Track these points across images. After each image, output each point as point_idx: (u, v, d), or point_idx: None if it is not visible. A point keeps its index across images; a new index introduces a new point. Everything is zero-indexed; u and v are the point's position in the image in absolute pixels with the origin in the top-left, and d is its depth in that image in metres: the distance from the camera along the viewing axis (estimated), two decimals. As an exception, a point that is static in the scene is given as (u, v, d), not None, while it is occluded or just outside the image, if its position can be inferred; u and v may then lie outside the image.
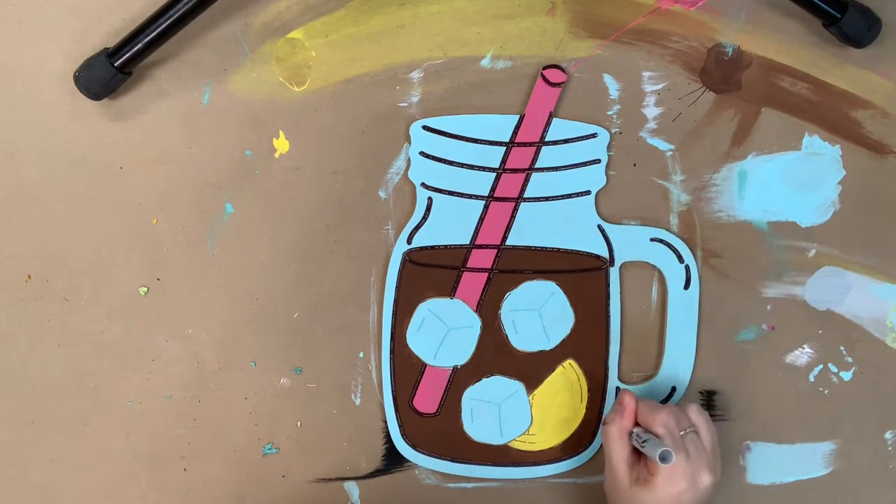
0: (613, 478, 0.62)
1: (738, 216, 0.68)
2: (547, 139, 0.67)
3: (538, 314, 0.68)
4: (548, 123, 0.67)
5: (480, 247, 0.68)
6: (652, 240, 0.68)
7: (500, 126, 0.67)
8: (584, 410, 0.69)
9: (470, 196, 0.67)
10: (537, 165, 0.67)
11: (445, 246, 0.68)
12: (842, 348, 0.70)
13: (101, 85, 0.64)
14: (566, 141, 0.67)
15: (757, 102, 0.67)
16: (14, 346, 0.68)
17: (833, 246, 0.69)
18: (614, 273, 0.68)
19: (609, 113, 0.67)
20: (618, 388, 0.69)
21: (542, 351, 0.68)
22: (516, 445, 0.69)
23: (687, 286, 0.68)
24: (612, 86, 0.67)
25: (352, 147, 0.67)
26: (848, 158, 0.68)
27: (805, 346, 0.70)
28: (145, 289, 0.68)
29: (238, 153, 0.67)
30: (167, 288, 0.68)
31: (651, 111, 0.67)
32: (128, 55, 0.63)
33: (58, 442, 0.69)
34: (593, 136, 0.67)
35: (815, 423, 0.70)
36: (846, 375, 0.70)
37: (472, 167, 0.67)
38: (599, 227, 0.68)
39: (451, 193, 0.67)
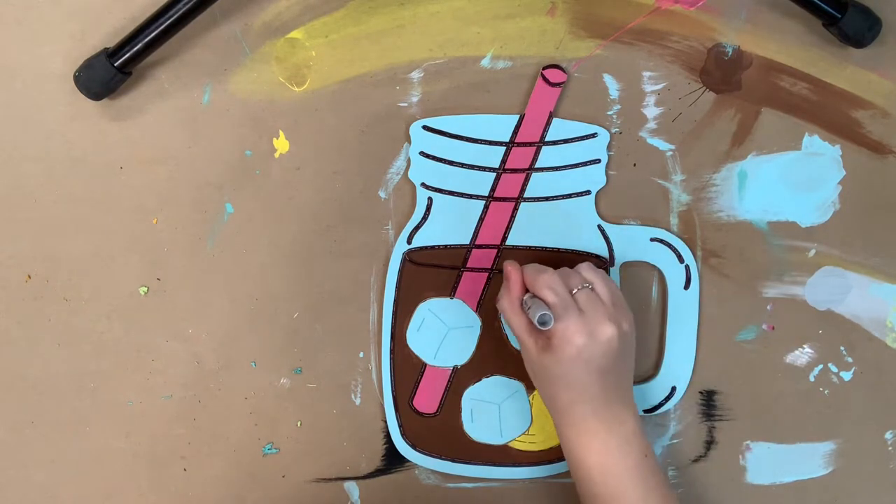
0: (524, 352, 0.62)
1: (738, 216, 0.68)
2: (547, 139, 0.67)
3: (538, 314, 0.68)
4: (548, 123, 0.67)
5: (480, 247, 0.68)
6: (652, 240, 0.68)
7: (500, 126, 0.67)
8: (584, 410, 0.69)
9: (470, 196, 0.67)
10: (537, 165, 0.67)
11: (445, 246, 0.68)
12: (842, 348, 0.70)
13: (101, 85, 0.64)
14: (566, 141, 0.67)
15: (757, 102, 0.68)
16: (14, 346, 0.68)
17: (833, 246, 0.69)
18: (614, 273, 0.68)
19: (609, 113, 0.67)
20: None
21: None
22: (516, 445, 0.69)
23: (687, 286, 0.68)
24: (612, 86, 0.67)
25: (352, 147, 0.67)
26: (848, 158, 0.68)
27: (805, 346, 0.70)
28: (145, 289, 0.68)
29: (238, 153, 0.67)
30: (167, 288, 0.68)
31: (651, 111, 0.67)
32: (128, 55, 0.63)
33: (58, 442, 0.69)
34: (593, 136, 0.67)
35: (815, 423, 0.70)
36: (846, 375, 0.70)
37: (472, 167, 0.67)
38: (599, 227, 0.68)
39: (451, 193, 0.67)
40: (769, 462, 0.70)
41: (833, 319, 0.69)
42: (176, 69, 0.66)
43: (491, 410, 0.69)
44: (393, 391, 0.69)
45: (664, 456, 0.70)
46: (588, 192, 0.68)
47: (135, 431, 0.69)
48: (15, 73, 0.66)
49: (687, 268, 0.68)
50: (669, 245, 0.68)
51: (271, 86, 0.67)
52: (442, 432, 0.69)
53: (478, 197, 0.67)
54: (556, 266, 0.62)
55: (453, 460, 0.69)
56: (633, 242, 0.68)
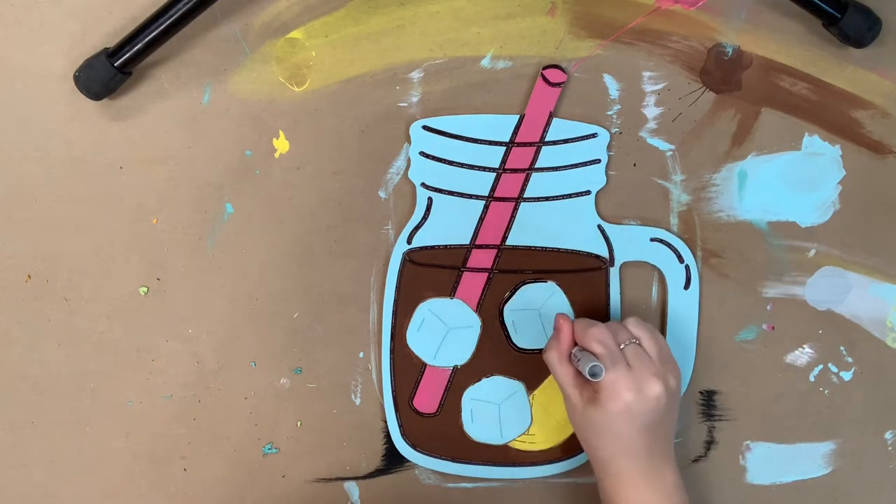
0: (568, 404, 0.62)
1: (738, 216, 0.68)
2: (547, 139, 0.67)
3: (538, 314, 0.68)
4: (548, 123, 0.67)
5: (480, 247, 0.68)
6: (652, 240, 0.68)
7: (500, 126, 0.67)
8: (584, 410, 0.69)
9: (470, 196, 0.67)
10: (537, 165, 0.67)
11: (445, 246, 0.68)
12: (842, 348, 0.70)
13: (101, 85, 0.64)
14: (566, 141, 0.67)
15: (757, 102, 0.68)
16: (14, 346, 0.68)
17: (833, 246, 0.69)
18: (614, 273, 0.68)
19: (609, 113, 0.67)
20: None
21: (542, 350, 0.68)
22: (516, 445, 0.69)
23: (687, 286, 0.68)
24: (612, 86, 0.67)
25: (352, 147, 0.67)
26: (848, 158, 0.68)
27: (805, 346, 0.70)
28: (145, 289, 0.68)
29: (238, 153, 0.67)
30: (167, 288, 0.68)
31: (651, 111, 0.67)
32: (128, 55, 0.63)
33: (58, 442, 0.69)
34: (593, 136, 0.67)
35: (815, 423, 0.70)
36: (846, 375, 0.70)
37: (472, 167, 0.67)
38: (599, 227, 0.68)
39: (451, 193, 0.67)
40: (769, 462, 0.70)
41: (833, 319, 0.69)
42: (176, 69, 0.66)
43: (491, 410, 0.69)
44: (393, 391, 0.69)
45: (664, 456, 0.70)
46: (588, 192, 0.68)
47: (135, 431, 0.69)
48: (15, 73, 0.66)
49: (687, 268, 0.68)
50: (669, 245, 0.68)
51: (271, 86, 0.67)
52: (442, 432, 0.69)
53: (478, 197, 0.67)
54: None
55: (453, 460, 0.69)
56: (633, 242, 0.68)
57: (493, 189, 0.67)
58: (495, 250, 0.68)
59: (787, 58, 0.67)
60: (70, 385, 0.69)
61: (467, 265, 0.68)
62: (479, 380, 0.69)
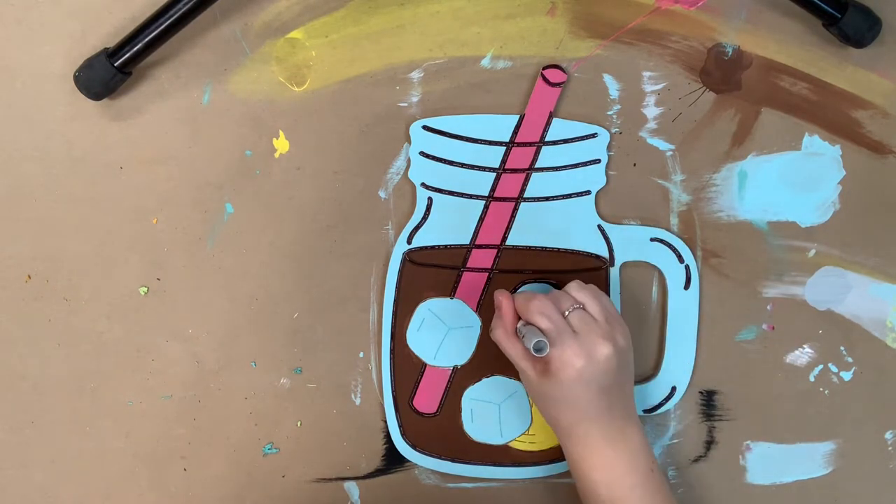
0: (523, 378, 0.62)
1: (738, 216, 0.68)
2: (547, 139, 0.67)
3: (538, 314, 0.68)
4: (548, 123, 0.67)
5: (480, 247, 0.68)
6: (652, 240, 0.68)
7: (500, 126, 0.67)
8: (584, 410, 0.69)
9: (470, 196, 0.67)
10: (537, 165, 0.67)
11: (445, 246, 0.68)
12: (842, 348, 0.70)
13: (101, 85, 0.64)
14: (566, 141, 0.67)
15: (757, 102, 0.68)
16: (14, 346, 0.68)
17: (833, 246, 0.69)
18: (614, 273, 0.68)
19: (609, 113, 0.67)
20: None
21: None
22: (516, 445, 0.69)
23: (687, 286, 0.68)
24: (612, 86, 0.67)
25: (352, 147, 0.67)
26: (848, 158, 0.68)
27: (805, 346, 0.70)
28: (145, 289, 0.68)
29: (238, 153, 0.67)
30: (167, 288, 0.68)
31: (651, 111, 0.67)
32: (128, 55, 0.63)
33: (58, 442, 0.69)
34: (593, 136, 0.67)
35: (815, 423, 0.70)
36: (846, 375, 0.70)
37: (472, 167, 0.67)
38: (599, 227, 0.68)
39: (451, 193, 0.67)
40: (769, 462, 0.70)
41: (833, 319, 0.69)
42: (176, 69, 0.66)
43: (491, 410, 0.69)
44: (393, 391, 0.69)
45: (664, 456, 0.70)
46: (588, 192, 0.68)
47: (135, 431, 0.69)
48: (15, 73, 0.66)
49: (687, 268, 0.68)
50: (669, 245, 0.68)
51: (271, 86, 0.67)
52: (442, 432, 0.69)
53: (478, 197, 0.67)
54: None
55: (453, 460, 0.69)
56: (633, 242, 0.68)
57: (493, 189, 0.67)
58: (495, 250, 0.68)
59: (787, 58, 0.67)
60: (70, 385, 0.69)
61: (467, 265, 0.68)
62: (479, 380, 0.69)
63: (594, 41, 0.67)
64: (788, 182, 0.68)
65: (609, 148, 0.67)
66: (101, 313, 0.68)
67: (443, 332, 0.68)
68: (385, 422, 0.69)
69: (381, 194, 0.68)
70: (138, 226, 0.68)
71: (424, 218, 0.67)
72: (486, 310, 0.68)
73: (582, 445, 0.60)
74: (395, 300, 0.68)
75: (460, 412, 0.69)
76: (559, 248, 0.68)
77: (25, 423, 0.69)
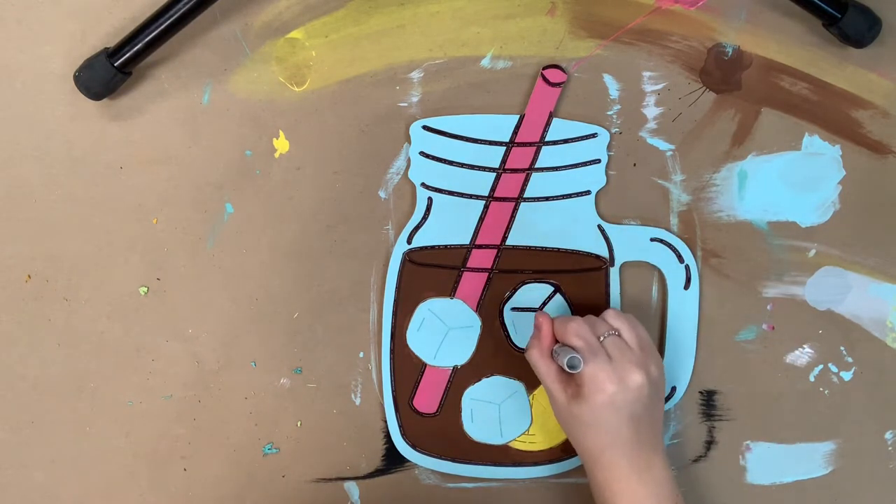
0: (553, 401, 0.62)
1: (738, 216, 0.68)
2: (547, 139, 0.67)
3: (538, 314, 0.68)
4: (548, 123, 0.67)
5: (480, 247, 0.68)
6: (652, 240, 0.68)
7: (500, 126, 0.67)
8: (584, 410, 0.69)
9: (470, 196, 0.67)
10: (537, 165, 0.67)
11: (445, 246, 0.68)
12: (842, 348, 0.70)
13: (101, 85, 0.64)
14: (566, 141, 0.67)
15: (757, 102, 0.68)
16: (14, 346, 0.68)
17: (833, 246, 0.69)
18: (614, 273, 0.68)
19: (609, 113, 0.67)
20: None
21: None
22: (516, 445, 0.69)
23: (687, 286, 0.68)
24: (612, 86, 0.67)
25: (352, 147, 0.67)
26: (848, 158, 0.68)
27: (805, 346, 0.70)
28: (145, 289, 0.68)
29: (238, 153, 0.67)
30: (167, 288, 0.68)
31: (651, 111, 0.67)
32: (128, 55, 0.63)
33: (58, 442, 0.69)
34: (593, 136, 0.67)
35: (815, 423, 0.70)
36: (846, 375, 0.70)
37: (472, 167, 0.67)
38: (599, 227, 0.68)
39: (451, 193, 0.67)
40: (769, 462, 0.70)
41: (833, 319, 0.69)
42: (176, 69, 0.66)
43: (491, 410, 0.69)
44: (393, 391, 0.69)
45: (664, 456, 0.70)
46: (588, 192, 0.68)
47: (135, 431, 0.69)
48: (15, 73, 0.66)
49: (687, 268, 0.68)
50: (669, 245, 0.68)
51: (271, 86, 0.67)
52: (442, 432, 0.69)
53: (478, 197, 0.67)
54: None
55: (453, 460, 0.69)
56: (633, 242, 0.68)
57: (493, 189, 0.67)
58: (495, 250, 0.68)
59: (787, 58, 0.67)
60: (70, 385, 0.69)
61: (467, 265, 0.68)
62: (479, 380, 0.69)
63: (594, 41, 0.67)
64: (788, 182, 0.68)
65: (609, 148, 0.67)
66: (101, 313, 0.68)
67: (443, 332, 0.68)
68: (385, 422, 0.69)
69: (381, 194, 0.68)
70: (138, 226, 0.68)
71: (424, 218, 0.67)
72: (485, 310, 0.68)
73: (608, 472, 0.60)
74: (395, 300, 0.68)
75: (460, 412, 0.69)
76: (559, 248, 0.68)
77: (25, 423, 0.69)
